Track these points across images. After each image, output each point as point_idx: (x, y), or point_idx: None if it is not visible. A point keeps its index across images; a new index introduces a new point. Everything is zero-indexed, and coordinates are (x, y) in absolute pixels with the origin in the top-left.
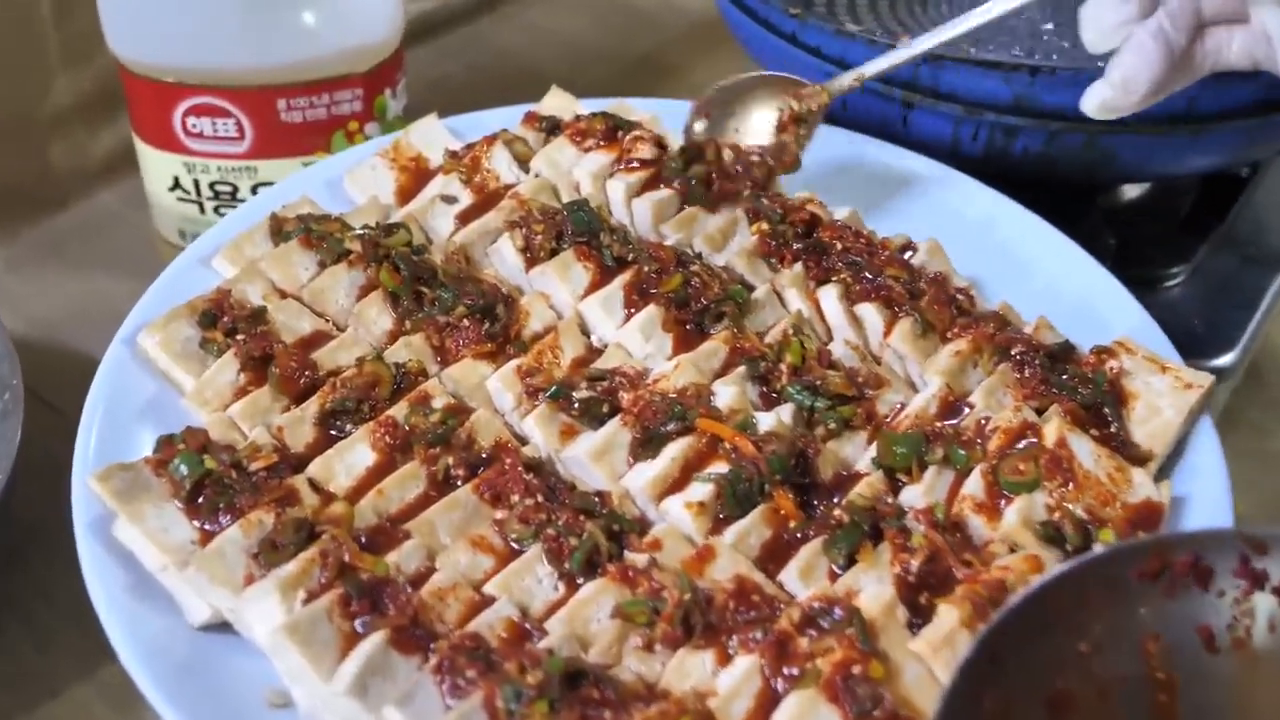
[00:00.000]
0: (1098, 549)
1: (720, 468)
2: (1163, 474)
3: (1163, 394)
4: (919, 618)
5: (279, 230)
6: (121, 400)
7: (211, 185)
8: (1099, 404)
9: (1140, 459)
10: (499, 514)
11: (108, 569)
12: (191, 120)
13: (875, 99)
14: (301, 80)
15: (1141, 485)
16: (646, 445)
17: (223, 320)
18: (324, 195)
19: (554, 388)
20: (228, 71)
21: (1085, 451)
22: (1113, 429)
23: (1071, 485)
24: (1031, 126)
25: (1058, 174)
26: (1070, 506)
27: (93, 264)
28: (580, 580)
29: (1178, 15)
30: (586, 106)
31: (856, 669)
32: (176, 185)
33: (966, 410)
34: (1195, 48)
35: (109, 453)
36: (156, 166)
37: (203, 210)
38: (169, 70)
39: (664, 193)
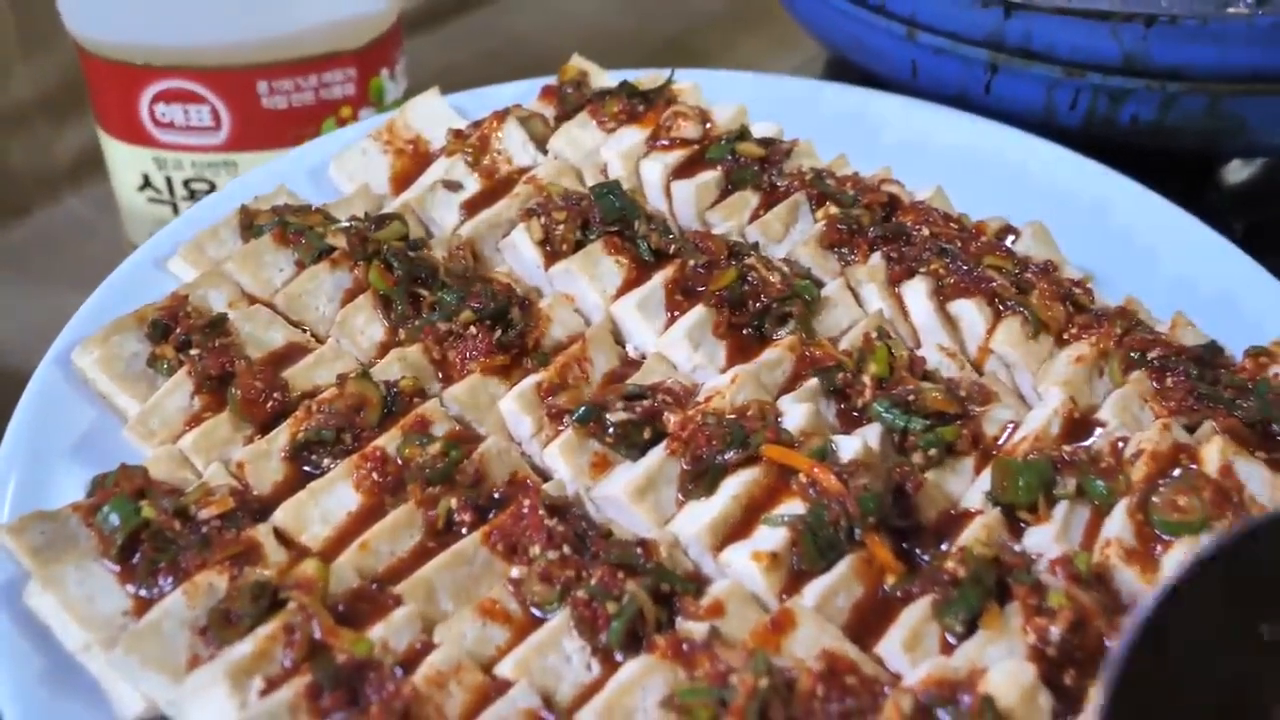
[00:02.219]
0: None
1: (795, 507)
2: None
3: None
4: (1064, 704)
5: (250, 225)
6: (50, 433)
7: (186, 183)
8: (1265, 420)
9: None
10: (515, 571)
11: (18, 651)
12: (160, 108)
13: (952, 61)
14: (284, 59)
15: None
16: (700, 479)
17: (175, 333)
18: (307, 186)
19: (582, 409)
20: (199, 50)
21: (1257, 480)
22: None
23: None
24: (1145, 89)
25: (1173, 146)
26: None
27: (58, 278)
28: (620, 657)
29: None
30: (615, 80)
31: None
32: (146, 184)
33: (1098, 431)
34: None
35: (31, 499)
36: (124, 163)
37: (177, 212)
38: (132, 49)
39: (710, 174)
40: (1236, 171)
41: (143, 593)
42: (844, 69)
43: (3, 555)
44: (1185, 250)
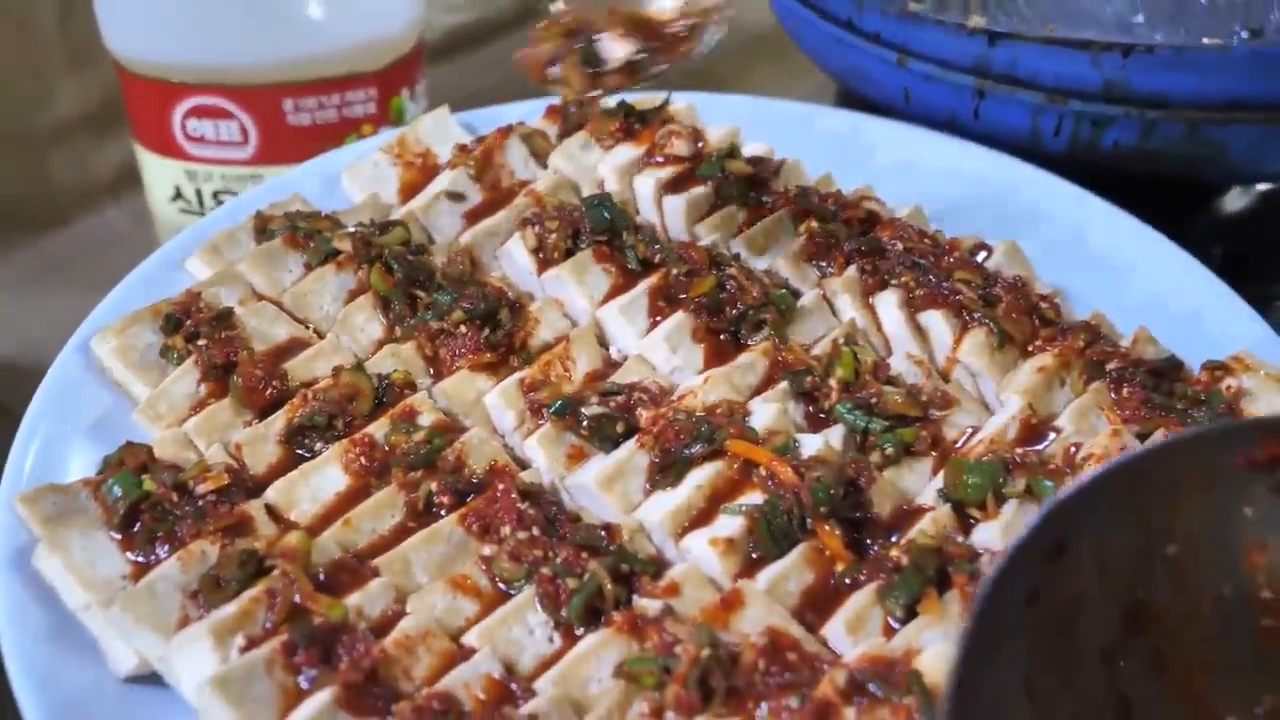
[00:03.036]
0: None
1: (755, 498)
2: None
3: None
4: None
5: (264, 230)
6: (68, 414)
7: (215, 195)
8: None
9: None
10: (486, 549)
11: (25, 609)
12: (192, 123)
13: (942, 87)
14: (309, 78)
15: None
16: (667, 471)
17: (186, 325)
18: (321, 196)
19: (559, 402)
20: (229, 69)
21: None
22: None
23: None
24: (1125, 116)
25: (1156, 173)
26: None
27: (93, 284)
28: (580, 631)
29: None
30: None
31: None
32: (178, 195)
33: (1052, 436)
34: None
35: (47, 474)
36: (157, 175)
37: None
38: (167, 68)
39: (700, 190)
40: (1235, 200)
41: (140, 559)
42: (853, 98)
43: (17, 523)
44: (1157, 271)
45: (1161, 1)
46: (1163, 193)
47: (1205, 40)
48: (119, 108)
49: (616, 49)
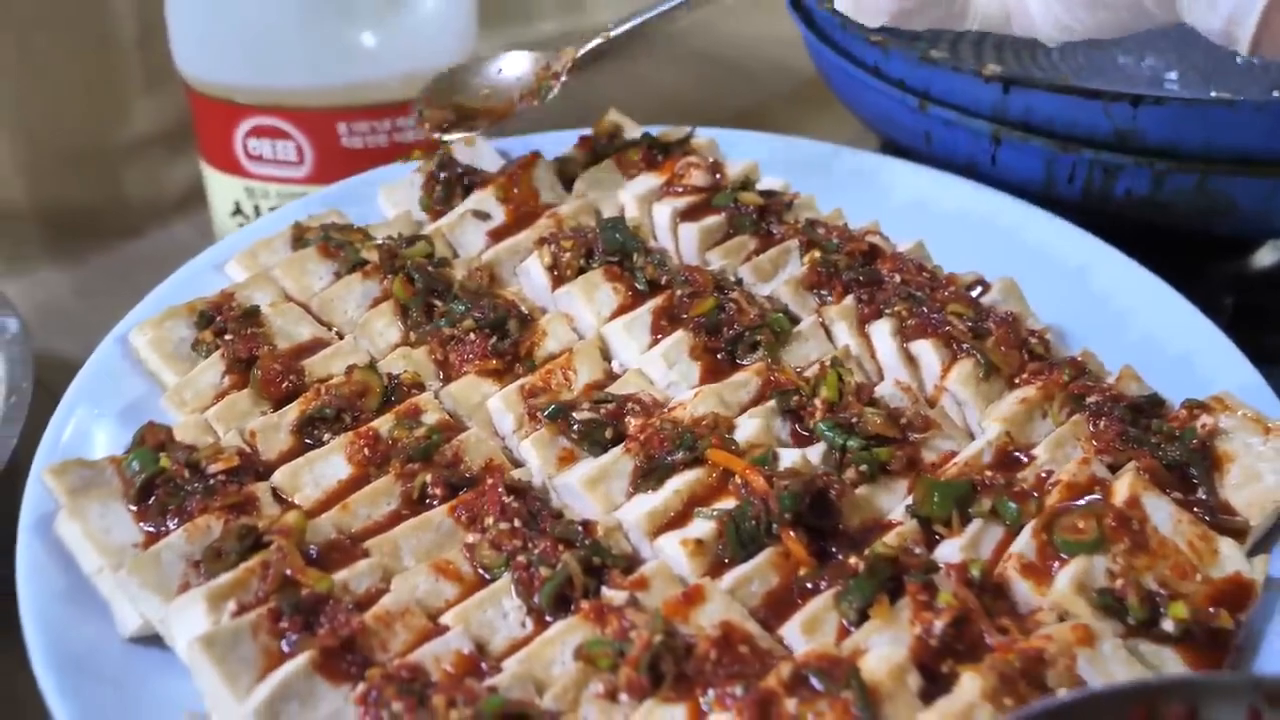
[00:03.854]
0: (1166, 626)
1: (728, 504)
2: (1261, 550)
3: (1265, 457)
4: (938, 689)
5: (300, 239)
6: (103, 399)
7: (271, 211)
8: (1184, 464)
9: (1233, 530)
10: (471, 538)
11: (44, 570)
12: (253, 142)
13: (961, 133)
14: (362, 104)
15: (1229, 558)
16: (649, 476)
17: (217, 321)
18: (358, 211)
19: (553, 406)
20: (288, 91)
21: (1162, 514)
22: (1200, 494)
23: (1141, 551)
24: (1135, 165)
25: (1169, 223)
26: (1138, 575)
27: None
28: (550, 618)
29: None
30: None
31: None
32: (238, 210)
33: (1025, 460)
34: None
35: (77, 452)
36: (220, 190)
37: None
38: (231, 89)
39: (714, 219)
40: (1245, 262)
41: (152, 529)
42: (892, 144)
43: (45, 493)
44: (1154, 314)
45: (1196, 59)
46: (1191, 246)
47: (1213, 94)
48: (189, 128)
49: None
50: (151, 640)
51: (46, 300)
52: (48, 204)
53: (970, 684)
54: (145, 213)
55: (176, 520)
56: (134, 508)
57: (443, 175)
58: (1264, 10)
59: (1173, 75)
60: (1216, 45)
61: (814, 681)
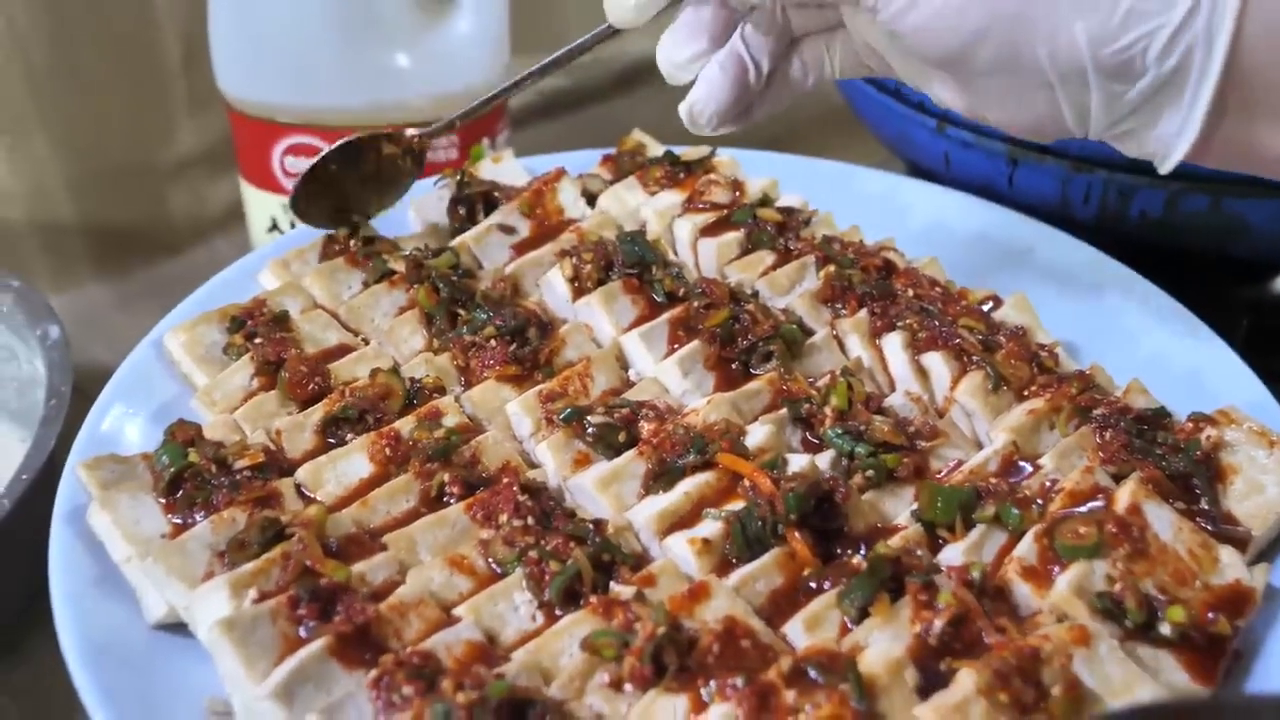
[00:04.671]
0: (1164, 629)
1: (736, 506)
2: (1264, 560)
3: (1268, 470)
4: (936, 686)
5: (330, 250)
6: (137, 399)
7: None
8: (1188, 474)
9: (1234, 540)
10: (485, 534)
11: (76, 558)
12: (290, 160)
13: (978, 154)
14: (396, 123)
15: (1230, 566)
16: (660, 478)
17: (248, 325)
18: (388, 224)
19: (568, 410)
20: (324, 110)
21: (1163, 522)
22: (1203, 504)
23: (1141, 557)
24: (1149, 186)
25: (1184, 245)
26: (1138, 580)
27: None
28: (559, 612)
29: (754, 39)
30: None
31: None
32: (274, 226)
33: (1030, 470)
34: (789, 65)
35: (110, 448)
36: (257, 207)
37: None
38: (270, 108)
39: (733, 234)
40: (1265, 286)
41: (179, 521)
42: (917, 169)
43: (79, 486)
44: (1164, 331)
45: None
46: (1207, 271)
47: None
48: (230, 149)
49: None
50: (176, 628)
51: (89, 312)
52: (93, 220)
53: (966, 679)
54: (186, 230)
55: (203, 513)
56: (162, 500)
57: (464, 193)
58: (1187, 154)
59: None
60: None
61: (813, 674)
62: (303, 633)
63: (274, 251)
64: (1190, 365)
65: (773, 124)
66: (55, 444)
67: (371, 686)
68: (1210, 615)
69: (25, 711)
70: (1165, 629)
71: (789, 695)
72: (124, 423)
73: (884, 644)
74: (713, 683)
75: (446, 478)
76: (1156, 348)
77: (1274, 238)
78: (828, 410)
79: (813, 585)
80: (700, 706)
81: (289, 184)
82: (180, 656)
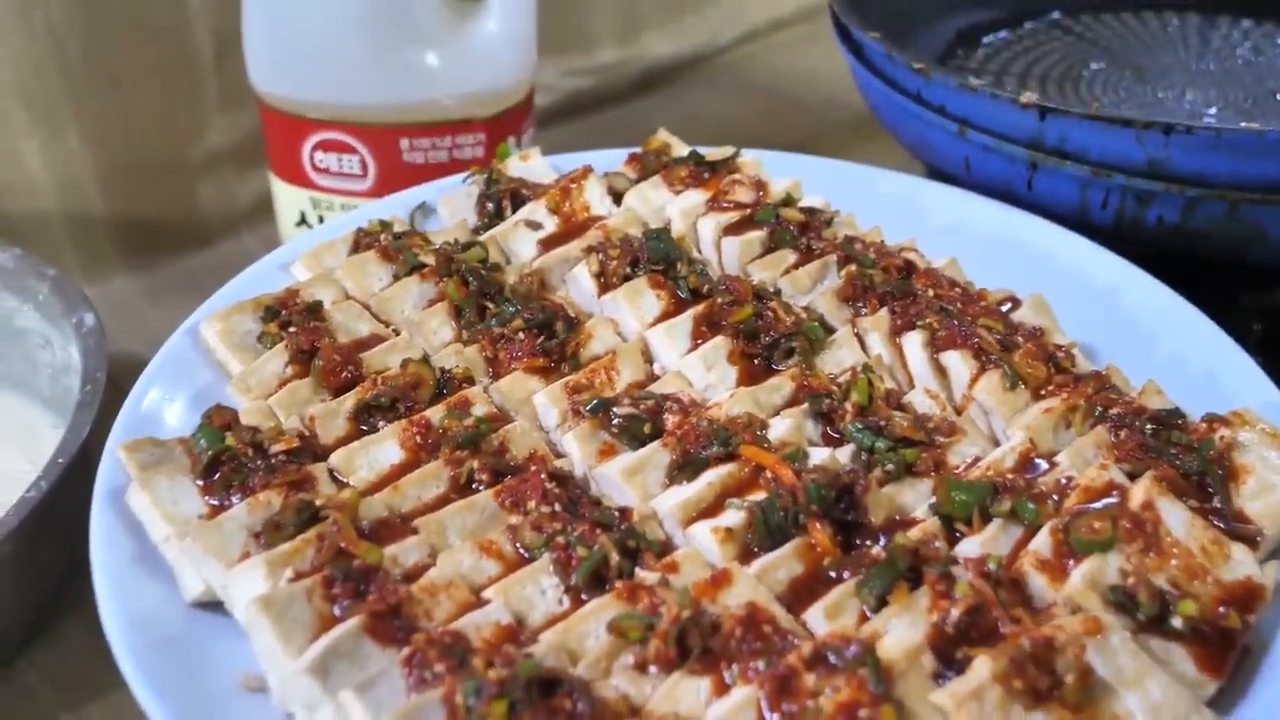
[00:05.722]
0: (1175, 623)
1: (759, 496)
2: (1275, 559)
3: None
4: (948, 668)
5: (361, 243)
6: (173, 385)
7: None
8: (1201, 473)
9: (1246, 538)
10: (513, 519)
11: (115, 537)
12: (320, 155)
13: (998, 158)
14: (425, 121)
15: (1241, 563)
16: (684, 469)
17: (282, 315)
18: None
19: (595, 401)
20: (354, 107)
21: (1177, 519)
22: (1216, 503)
23: (1154, 552)
24: (1166, 192)
25: (1201, 251)
26: (1150, 575)
27: None
28: (586, 596)
29: None
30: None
31: (864, 713)
32: (303, 221)
33: (1046, 467)
34: None
35: (148, 432)
36: (286, 202)
37: None
38: (301, 104)
39: (756, 233)
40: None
41: (216, 502)
42: (938, 174)
43: (118, 468)
44: (1181, 335)
45: (1236, 96)
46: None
47: (1243, 124)
48: (260, 145)
49: None
50: (212, 606)
51: (119, 305)
52: (124, 213)
53: (982, 666)
54: (216, 225)
55: (239, 495)
56: (200, 482)
57: (492, 190)
58: None
59: (1211, 111)
60: (1259, 80)
61: (832, 659)
62: (337, 611)
63: (305, 244)
64: (1206, 369)
65: (796, 129)
66: (90, 430)
67: (404, 664)
68: (1221, 610)
69: (57, 691)
70: (1177, 622)
71: (809, 679)
72: (161, 407)
73: (902, 631)
74: (735, 666)
75: (476, 465)
76: (1173, 351)
77: None
78: (848, 405)
79: (832, 575)
80: (723, 688)
81: (318, 179)
82: (217, 634)
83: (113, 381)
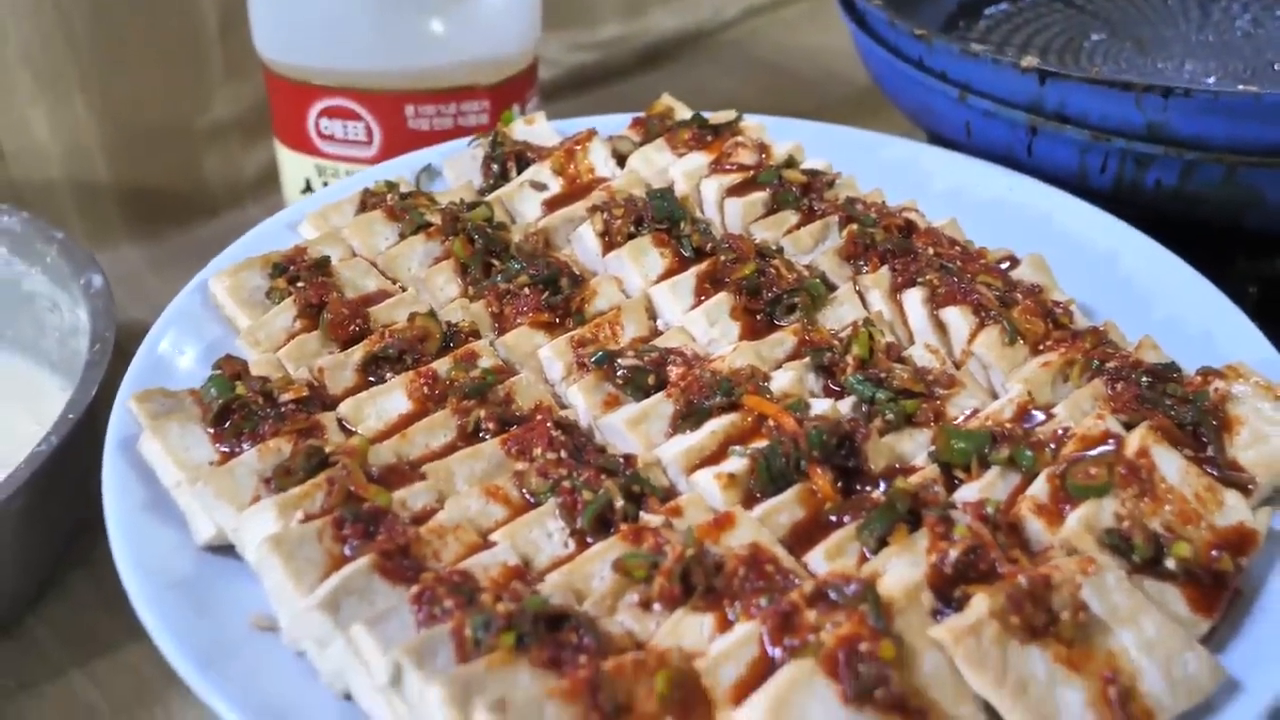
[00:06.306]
0: (1169, 564)
1: (761, 444)
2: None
3: (1273, 421)
4: (946, 605)
5: (368, 203)
6: (183, 339)
7: None
8: (1196, 424)
9: (1239, 486)
10: (520, 466)
11: (127, 484)
12: (325, 122)
13: (999, 123)
14: (429, 88)
15: (1234, 508)
16: (688, 418)
17: (290, 270)
18: (423, 181)
19: (600, 353)
20: (360, 74)
21: (1171, 466)
22: (1209, 453)
23: (1149, 498)
24: (1165, 155)
25: (1199, 215)
26: (1145, 518)
27: None
28: (591, 540)
29: None
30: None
31: (864, 647)
32: (308, 188)
33: (1044, 418)
34: None
35: (159, 383)
36: (291, 169)
37: None
38: (307, 71)
39: (758, 195)
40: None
41: (226, 449)
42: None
43: (130, 419)
44: (1178, 295)
45: (1235, 65)
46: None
47: (1240, 87)
48: (265, 116)
49: None
50: (223, 551)
51: (125, 274)
52: (129, 183)
53: (980, 603)
54: (221, 195)
55: (249, 443)
56: (210, 430)
57: (497, 152)
58: None
59: (1210, 81)
60: (1258, 52)
61: (833, 596)
62: (347, 551)
63: (312, 205)
64: (1203, 329)
65: (799, 104)
66: (99, 388)
67: (414, 601)
68: (1214, 553)
69: (67, 648)
70: (1170, 564)
71: (810, 615)
72: (172, 359)
73: (901, 570)
74: (738, 603)
75: (482, 414)
76: (1170, 311)
77: None
78: (849, 359)
79: (833, 519)
80: (726, 624)
81: (324, 146)
82: (229, 577)
83: (119, 349)
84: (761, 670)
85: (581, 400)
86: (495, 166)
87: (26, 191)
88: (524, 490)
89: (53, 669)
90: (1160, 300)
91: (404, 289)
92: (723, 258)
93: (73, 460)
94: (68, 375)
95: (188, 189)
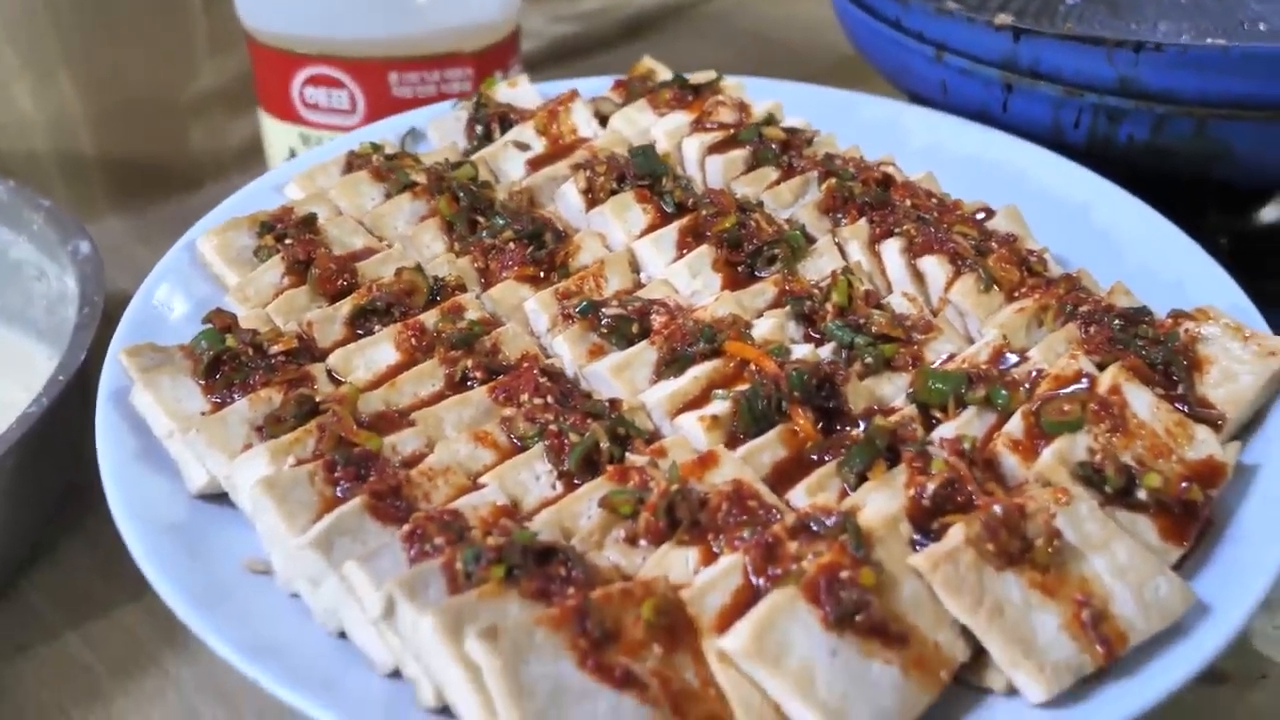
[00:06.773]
0: (1140, 495)
1: (743, 388)
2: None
3: (1242, 360)
4: (924, 536)
5: (354, 164)
6: (171, 296)
7: None
8: (1167, 364)
9: (1209, 422)
10: (507, 411)
11: (120, 435)
12: (309, 91)
13: (974, 81)
14: (412, 55)
15: (1204, 442)
16: (671, 365)
17: (277, 228)
18: (409, 143)
19: (584, 303)
20: (343, 42)
21: (1142, 403)
22: (1180, 391)
23: (1121, 433)
24: (1136, 110)
25: (1170, 169)
26: (1117, 452)
27: None
28: (578, 481)
29: None
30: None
31: (845, 574)
32: (293, 156)
33: (1018, 360)
34: None
35: (149, 339)
36: (276, 138)
37: None
38: (290, 39)
39: (739, 152)
40: (1272, 210)
41: (218, 400)
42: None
43: (120, 372)
44: (1150, 244)
45: (1208, 25)
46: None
47: (1209, 40)
48: (249, 87)
49: None
50: (215, 499)
51: (110, 245)
52: (114, 155)
53: (956, 532)
54: (205, 167)
55: (240, 394)
56: (201, 382)
57: (481, 114)
58: None
59: (1185, 40)
60: (1228, 12)
61: (814, 528)
62: (339, 493)
63: (298, 166)
64: (1175, 277)
65: (783, 72)
66: (88, 351)
67: (405, 539)
68: (1184, 485)
69: (61, 611)
70: (1142, 494)
71: (792, 546)
72: (163, 315)
73: (880, 502)
74: (722, 537)
75: (470, 364)
76: (1142, 260)
77: (1256, 161)
78: (829, 306)
79: (814, 458)
80: (710, 558)
81: (308, 115)
82: (221, 525)
83: (106, 317)
84: (745, 599)
85: (567, 350)
86: (479, 128)
87: (12, 164)
88: (512, 435)
89: (47, 631)
90: (1133, 249)
91: (390, 247)
92: (704, 212)
93: (63, 421)
94: (55, 343)
95: (173, 160)
